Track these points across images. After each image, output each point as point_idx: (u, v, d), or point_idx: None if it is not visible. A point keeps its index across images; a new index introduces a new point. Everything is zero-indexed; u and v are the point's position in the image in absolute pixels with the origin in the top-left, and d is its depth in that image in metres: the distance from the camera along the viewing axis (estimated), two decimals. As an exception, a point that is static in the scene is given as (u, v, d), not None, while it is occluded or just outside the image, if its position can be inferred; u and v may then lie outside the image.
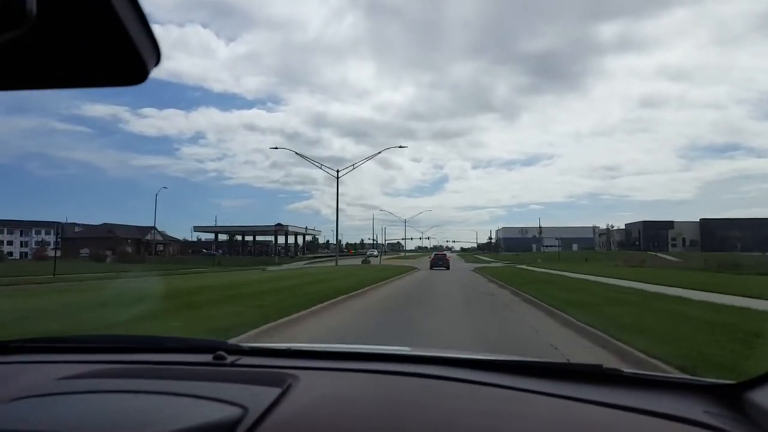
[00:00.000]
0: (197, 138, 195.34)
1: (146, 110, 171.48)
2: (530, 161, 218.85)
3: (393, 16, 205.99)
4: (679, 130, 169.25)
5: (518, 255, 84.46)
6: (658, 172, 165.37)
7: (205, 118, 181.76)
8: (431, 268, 40.43)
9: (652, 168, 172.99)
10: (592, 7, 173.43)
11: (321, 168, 42.47)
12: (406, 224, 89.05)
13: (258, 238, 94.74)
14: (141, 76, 0.63)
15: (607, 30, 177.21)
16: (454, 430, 0.98)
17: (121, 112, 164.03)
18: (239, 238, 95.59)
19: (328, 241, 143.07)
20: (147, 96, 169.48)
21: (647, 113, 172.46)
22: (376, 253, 73.07)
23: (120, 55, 0.60)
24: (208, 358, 1.43)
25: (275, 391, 1.09)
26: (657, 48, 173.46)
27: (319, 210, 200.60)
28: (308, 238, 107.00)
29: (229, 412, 0.95)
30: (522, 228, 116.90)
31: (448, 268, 40.04)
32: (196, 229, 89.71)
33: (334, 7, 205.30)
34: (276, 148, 42.18)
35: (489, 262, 63.93)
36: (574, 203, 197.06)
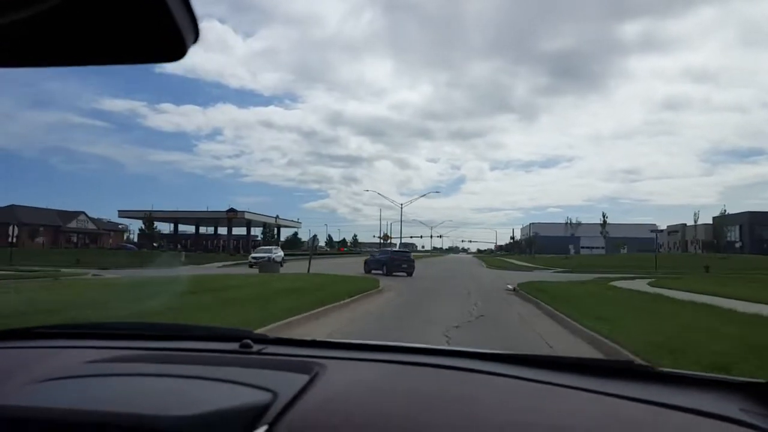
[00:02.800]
0: (214, 134, 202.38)
1: (164, 105, 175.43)
2: (549, 163, 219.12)
3: (410, 13, 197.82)
4: (701, 133, 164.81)
5: (567, 258, 60.84)
6: (679, 176, 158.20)
7: (223, 114, 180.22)
8: (388, 273, 26.56)
9: (673, 172, 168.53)
10: (615, 5, 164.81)
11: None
12: (402, 217, 66.57)
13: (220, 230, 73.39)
14: (179, 52, 0.63)
15: (630, 29, 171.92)
16: (483, 422, 0.97)
17: (139, 107, 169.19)
18: (194, 228, 73.13)
19: (330, 237, 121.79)
20: (164, 91, 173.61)
21: (669, 116, 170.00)
22: (279, 253, 39.17)
23: (159, 30, 0.59)
24: (234, 346, 1.42)
25: (304, 378, 1.09)
26: (681, 48, 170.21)
27: (335, 209, 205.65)
28: (285, 231, 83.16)
29: (259, 397, 0.96)
30: (569, 223, 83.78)
31: (410, 274, 26.87)
32: (121, 214, 66.18)
33: (352, 2, 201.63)
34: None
35: (530, 268, 40.06)
36: (593, 207, 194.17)
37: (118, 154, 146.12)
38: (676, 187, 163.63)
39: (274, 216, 73.83)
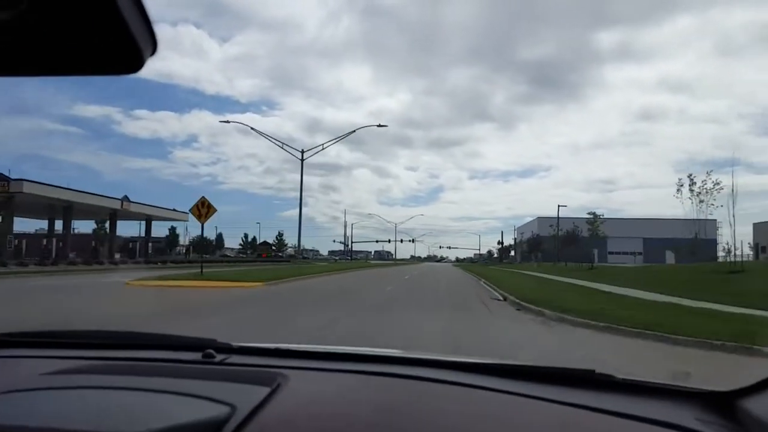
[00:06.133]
0: (190, 141, 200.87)
1: (139, 112, 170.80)
2: (527, 173, 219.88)
3: (389, 20, 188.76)
4: (677, 144, 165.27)
5: (593, 268, 36.99)
6: (655, 187, 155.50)
7: (199, 120, 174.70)
8: None
9: (649, 182, 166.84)
10: (593, 14, 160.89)
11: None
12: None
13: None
14: (137, 65, 0.62)
15: (608, 38, 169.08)
16: None
17: (114, 113, 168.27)
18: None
19: (283, 241, 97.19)
20: (140, 97, 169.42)
21: (646, 126, 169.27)
22: None
23: (116, 43, 0.58)
24: (196, 356, 1.40)
25: (264, 390, 1.08)
26: (658, 58, 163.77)
27: (314, 217, 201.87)
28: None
29: (217, 411, 0.94)
30: (594, 219, 46.97)
31: None
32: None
33: (330, 8, 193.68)
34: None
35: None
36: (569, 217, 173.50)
37: (94, 161, 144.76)
38: (652, 197, 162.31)
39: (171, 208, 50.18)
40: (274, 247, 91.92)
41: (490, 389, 1.19)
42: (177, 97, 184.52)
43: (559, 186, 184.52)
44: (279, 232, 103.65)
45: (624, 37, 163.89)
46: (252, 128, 34.40)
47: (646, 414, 1.04)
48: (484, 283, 25.98)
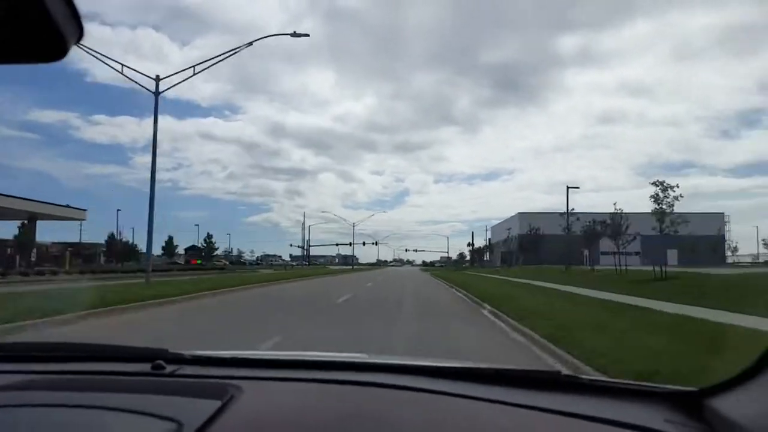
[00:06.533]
0: (151, 146, 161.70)
1: (97, 117, 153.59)
2: (491, 176, 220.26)
3: (352, 23, 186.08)
4: (637, 147, 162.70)
5: (595, 271, 28.68)
6: (616, 189, 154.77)
7: (159, 125, 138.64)
8: None
9: (610, 184, 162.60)
10: (554, 18, 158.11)
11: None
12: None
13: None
14: (59, 52, 0.59)
15: (568, 42, 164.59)
16: None
17: (72, 118, 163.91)
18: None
19: (212, 245, 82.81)
20: (98, 102, 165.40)
21: (606, 129, 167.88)
22: None
23: (36, 28, 0.55)
24: (146, 367, 1.33)
25: (215, 404, 1.02)
26: (618, 62, 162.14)
27: (279, 222, 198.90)
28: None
29: (162, 428, 0.90)
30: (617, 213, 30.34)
31: None
32: None
33: (292, 12, 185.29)
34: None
35: None
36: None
37: (52, 168, 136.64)
38: (613, 199, 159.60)
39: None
40: (203, 253, 78.05)
41: (454, 395, 1.15)
42: (137, 102, 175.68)
43: (522, 189, 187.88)
44: (208, 234, 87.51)
45: (584, 41, 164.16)
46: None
47: (615, 416, 1.02)
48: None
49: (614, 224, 29.99)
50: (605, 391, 1.19)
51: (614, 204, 30.78)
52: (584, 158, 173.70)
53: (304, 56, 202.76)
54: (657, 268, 22.81)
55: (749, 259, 74.27)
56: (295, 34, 21.76)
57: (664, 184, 23.06)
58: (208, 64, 22.18)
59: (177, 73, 21.95)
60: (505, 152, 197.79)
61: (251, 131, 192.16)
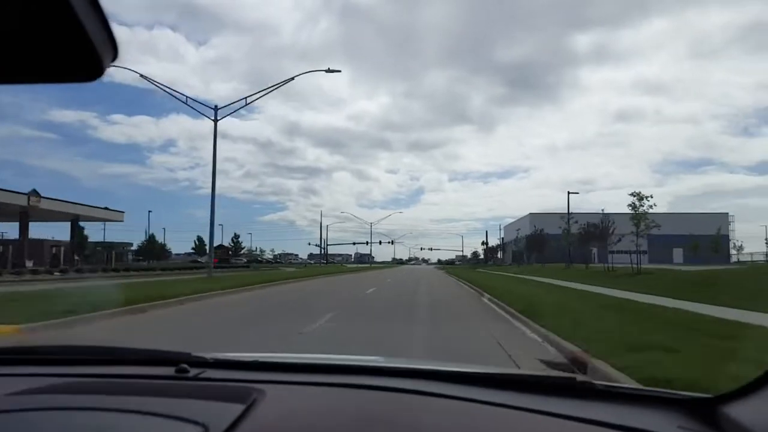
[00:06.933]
0: (167, 146, 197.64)
1: (115, 116, 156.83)
2: (506, 174, 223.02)
3: (367, 22, 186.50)
4: (653, 144, 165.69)
5: (613, 271, 28.39)
6: (632, 187, 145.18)
7: (176, 125, 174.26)
8: None
9: (626, 182, 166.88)
10: (570, 15, 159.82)
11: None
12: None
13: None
14: (97, 72, 0.61)
15: (584, 40, 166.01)
16: None
17: (90, 118, 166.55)
18: None
19: (239, 244, 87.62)
20: (115, 102, 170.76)
21: (622, 127, 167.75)
22: None
23: (75, 49, 0.57)
24: (170, 371, 1.35)
25: (239, 408, 1.03)
26: (634, 60, 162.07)
27: (294, 221, 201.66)
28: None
29: (187, 431, 0.91)
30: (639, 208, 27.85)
31: None
32: None
33: (308, 10, 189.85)
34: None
35: None
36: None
37: (71, 167, 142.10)
38: (628, 197, 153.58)
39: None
40: (230, 251, 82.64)
41: (471, 400, 1.16)
42: (153, 102, 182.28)
43: (537, 187, 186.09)
44: (235, 234, 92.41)
45: (600, 39, 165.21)
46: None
47: (629, 423, 1.02)
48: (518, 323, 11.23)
49: (603, 228, 34.08)
50: (620, 398, 1.19)
51: (602, 210, 35.62)
52: (600, 156, 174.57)
53: (319, 55, 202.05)
54: (635, 265, 26.97)
55: (750, 258, 75.51)
56: (329, 71, 25.94)
57: (640, 195, 26.90)
58: (257, 97, 26.62)
59: (232, 103, 26.36)
60: (520, 150, 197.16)
61: (267, 130, 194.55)
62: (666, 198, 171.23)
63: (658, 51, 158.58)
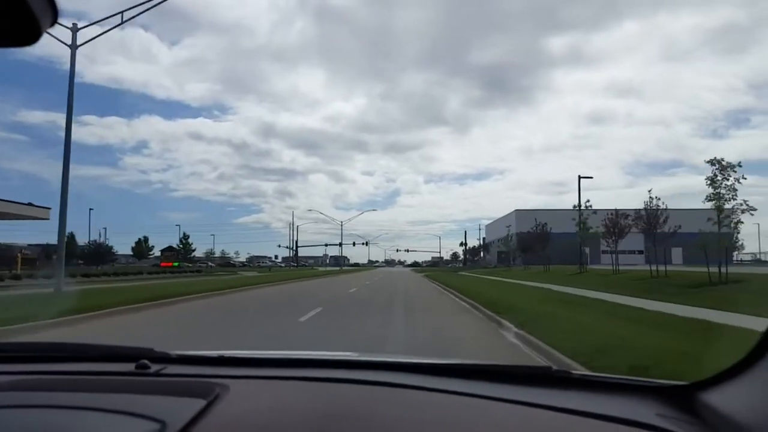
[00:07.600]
0: (140, 147, 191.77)
1: (86, 117, 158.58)
2: (482, 176, 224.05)
3: (343, 23, 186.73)
4: (626, 146, 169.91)
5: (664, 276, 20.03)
6: (605, 189, 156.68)
7: (148, 126, 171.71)
8: None
9: (599, 185, 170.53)
10: (544, 19, 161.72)
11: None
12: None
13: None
14: (33, 36, 0.58)
15: (558, 43, 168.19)
16: None
17: (60, 119, 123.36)
18: None
19: (189, 246, 77.32)
20: (86, 102, 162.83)
21: (595, 129, 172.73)
22: None
23: (10, 11, 0.53)
24: (130, 367, 1.32)
25: (199, 403, 1.01)
26: (606, 63, 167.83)
27: (269, 223, 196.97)
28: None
29: (145, 428, 0.88)
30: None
31: None
32: None
33: (283, 11, 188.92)
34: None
35: None
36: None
37: (42, 170, 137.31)
38: (602, 198, 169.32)
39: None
40: (180, 254, 72.42)
41: (445, 391, 1.14)
42: (125, 102, 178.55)
43: (513, 188, 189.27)
44: (184, 234, 79.98)
45: (574, 41, 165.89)
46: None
47: (606, 411, 1.02)
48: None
49: (652, 216, 25.70)
50: (596, 386, 1.19)
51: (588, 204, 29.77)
52: (574, 158, 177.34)
53: (295, 56, 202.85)
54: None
55: (749, 258, 71.87)
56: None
57: (722, 162, 18.65)
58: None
59: (102, 20, 17.20)
60: (495, 152, 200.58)
61: (242, 131, 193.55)
62: (639, 199, 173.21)
63: (630, 54, 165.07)
